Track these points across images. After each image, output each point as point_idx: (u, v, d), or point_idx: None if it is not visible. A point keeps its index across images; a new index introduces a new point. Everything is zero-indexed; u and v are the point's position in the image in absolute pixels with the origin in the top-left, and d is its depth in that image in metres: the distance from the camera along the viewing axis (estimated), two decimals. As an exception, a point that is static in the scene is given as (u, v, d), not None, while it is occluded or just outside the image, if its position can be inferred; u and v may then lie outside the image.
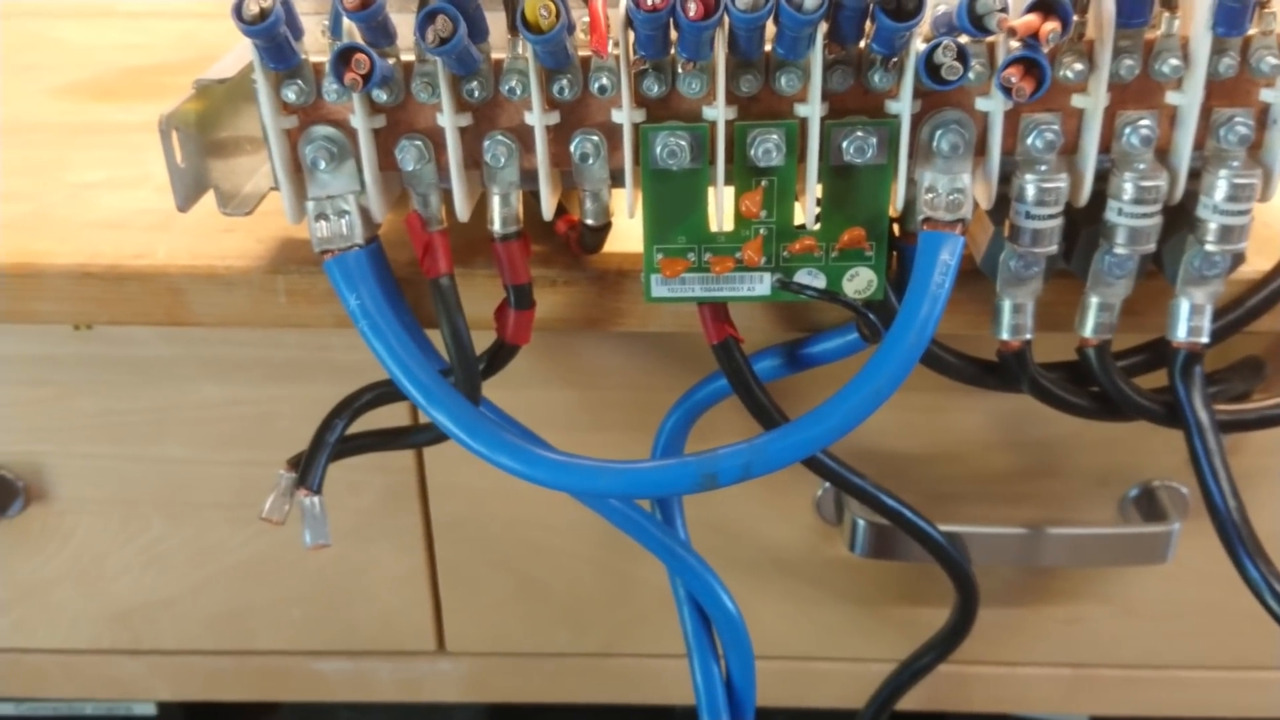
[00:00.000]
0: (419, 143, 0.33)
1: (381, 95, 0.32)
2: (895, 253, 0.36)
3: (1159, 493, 0.45)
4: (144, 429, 0.46)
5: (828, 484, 0.47)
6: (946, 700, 0.53)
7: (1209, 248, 0.33)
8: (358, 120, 0.32)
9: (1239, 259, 0.34)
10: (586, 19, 0.31)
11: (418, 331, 0.38)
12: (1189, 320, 0.35)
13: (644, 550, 0.41)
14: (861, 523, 0.44)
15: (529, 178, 0.34)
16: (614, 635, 0.51)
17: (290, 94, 0.32)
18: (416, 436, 0.39)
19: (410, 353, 0.34)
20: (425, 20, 0.29)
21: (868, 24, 0.31)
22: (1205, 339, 0.35)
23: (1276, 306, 0.36)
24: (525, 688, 0.53)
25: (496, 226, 0.34)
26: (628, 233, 0.37)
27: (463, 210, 0.34)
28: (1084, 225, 0.34)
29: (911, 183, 0.33)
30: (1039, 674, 0.52)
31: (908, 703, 0.50)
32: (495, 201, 0.34)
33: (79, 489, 0.47)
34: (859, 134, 0.32)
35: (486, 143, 0.33)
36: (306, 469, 0.36)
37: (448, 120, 0.32)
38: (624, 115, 0.32)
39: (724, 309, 0.37)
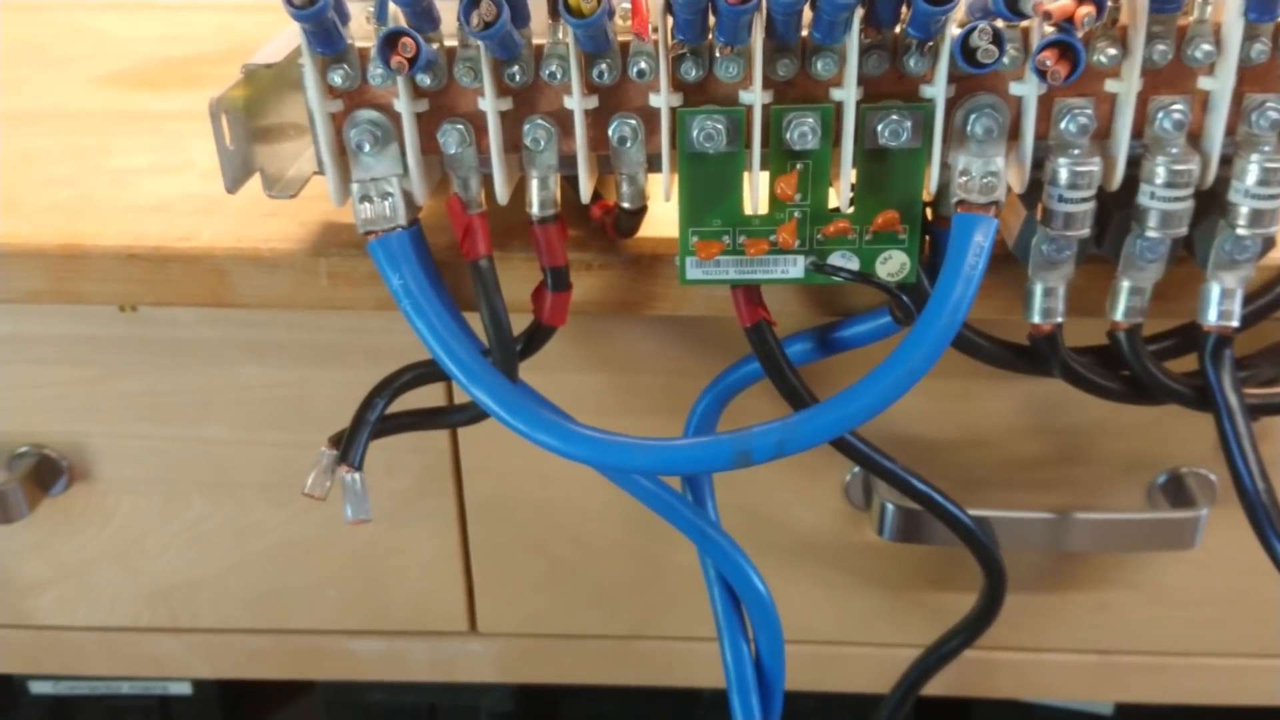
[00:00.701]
0: (461, 126, 0.34)
1: (425, 79, 0.33)
2: (928, 237, 0.36)
3: (1187, 479, 0.45)
4: (187, 410, 0.47)
5: (856, 469, 0.47)
6: (972, 686, 0.53)
7: (1240, 231, 0.33)
8: (402, 104, 0.33)
9: (1270, 243, 0.34)
10: (626, 4, 0.31)
11: (457, 314, 0.38)
12: (1219, 304, 0.35)
13: (675, 534, 0.42)
14: (890, 507, 0.45)
15: (567, 162, 0.35)
16: (644, 618, 0.52)
17: (336, 78, 0.33)
18: (455, 416, 0.39)
19: (451, 331, 0.35)
20: (470, 5, 0.30)
21: (903, 9, 0.31)
22: (1235, 323, 0.35)
23: (1307, 292, 0.36)
24: (555, 669, 0.54)
25: (535, 209, 0.35)
26: (662, 218, 0.38)
27: (502, 193, 0.35)
28: (1116, 209, 0.35)
29: (945, 167, 0.34)
30: (1065, 660, 0.52)
31: (934, 688, 0.51)
32: (534, 185, 0.35)
33: (122, 469, 0.48)
34: (894, 118, 0.33)
35: (526, 126, 0.34)
36: (348, 446, 0.37)
37: (489, 104, 0.33)
38: (662, 99, 0.33)
39: (757, 292, 0.37)
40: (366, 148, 0.34)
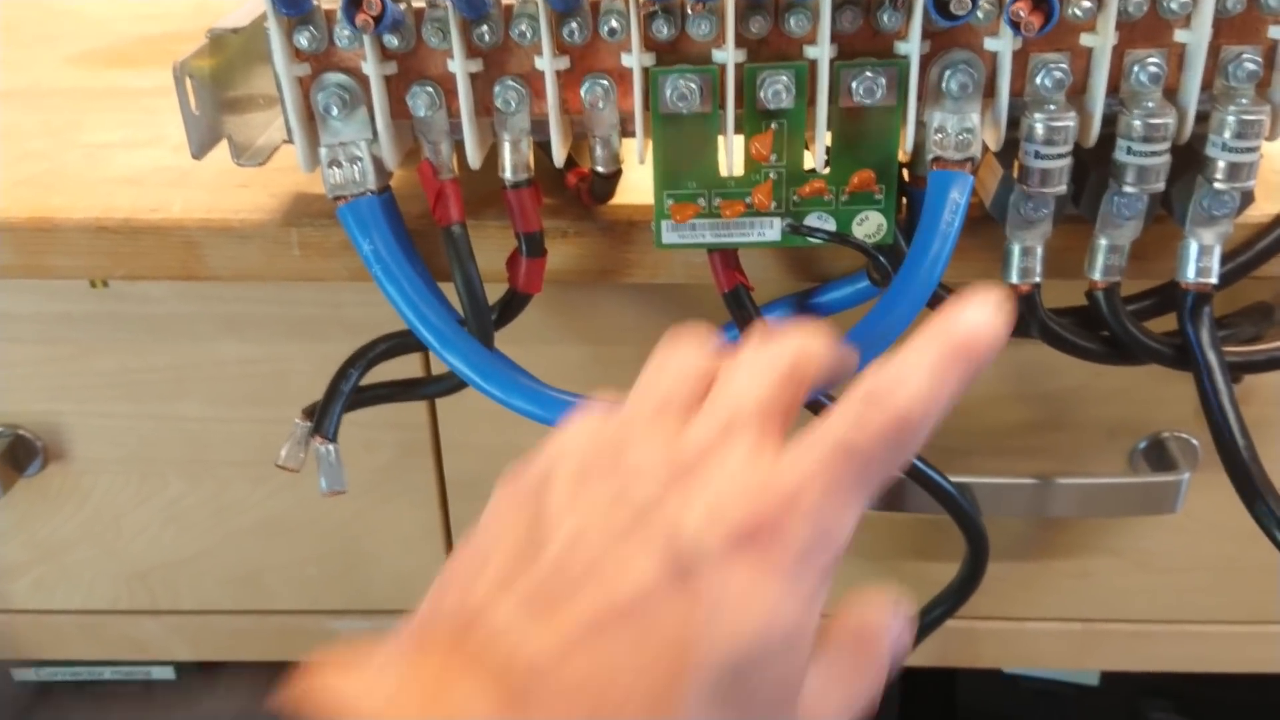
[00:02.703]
0: (430, 89, 0.33)
1: (393, 41, 0.33)
2: (905, 198, 0.36)
3: (1168, 443, 0.45)
4: (162, 387, 0.46)
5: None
6: (956, 656, 0.53)
7: (1218, 186, 0.33)
8: (369, 66, 0.33)
9: (1248, 198, 0.34)
10: (596, -40, 0.31)
11: (431, 282, 0.38)
12: (1198, 261, 0.35)
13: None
14: (872, 475, 0.45)
15: (539, 127, 0.34)
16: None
17: (303, 40, 0.32)
18: (432, 387, 0.39)
19: (424, 297, 0.34)
20: (436, -39, 0.29)
21: (876, -37, 0.31)
22: (1214, 279, 0.35)
23: (1285, 249, 0.36)
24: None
25: (508, 174, 0.35)
26: (637, 185, 0.37)
27: (474, 157, 0.34)
28: (1093, 167, 0.34)
29: (921, 125, 0.33)
30: (1049, 629, 0.52)
31: (917, 658, 0.51)
32: (506, 148, 0.34)
33: (97, 448, 0.48)
34: (868, 75, 0.32)
35: (497, 89, 0.33)
36: (322, 417, 0.36)
37: (459, 66, 0.33)
38: (634, 59, 0.32)
39: (735, 256, 0.37)
40: (334, 111, 0.33)
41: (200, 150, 0.34)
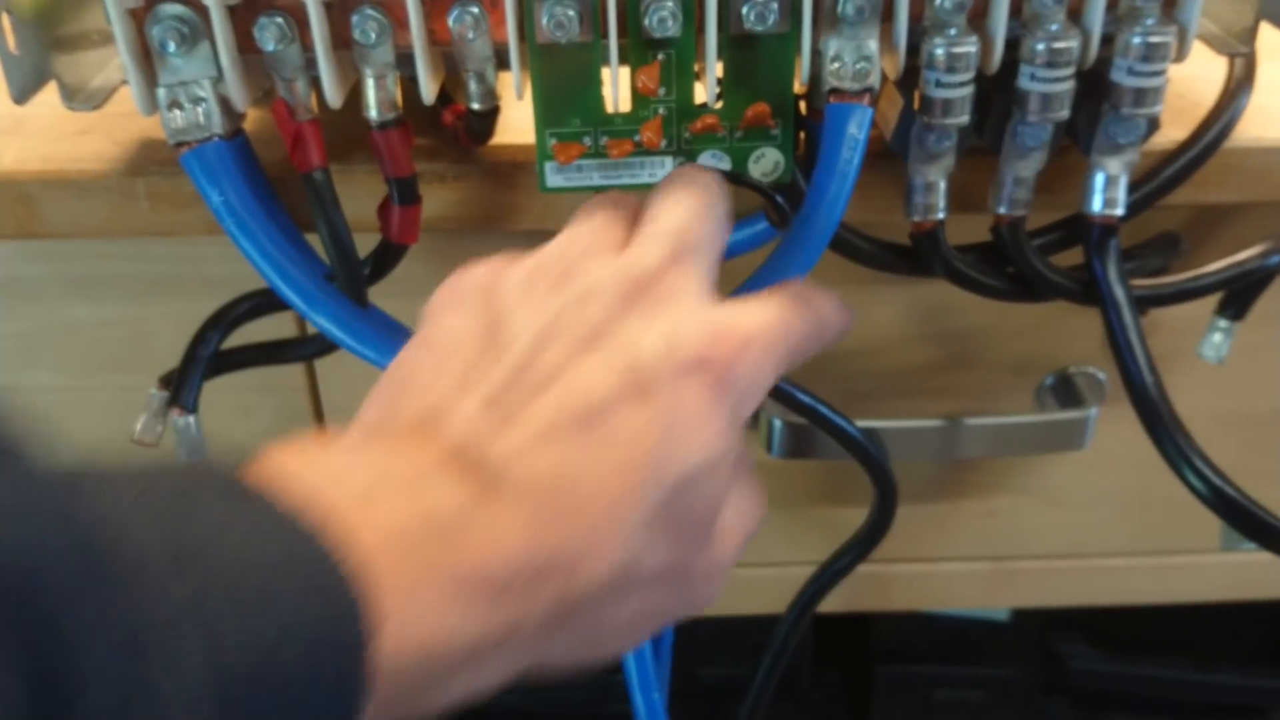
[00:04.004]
0: (280, 20, 0.30)
1: (235, -34, 0.29)
2: (803, 133, 0.34)
3: (1076, 379, 0.44)
4: (10, 355, 0.42)
5: (743, 386, 0.45)
6: (869, 600, 0.52)
7: (1124, 111, 0.32)
8: (209, -5, 0.29)
9: (1154, 124, 0.33)
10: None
11: (297, 237, 0.35)
12: (1104, 192, 0.33)
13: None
14: (778, 423, 0.43)
15: (406, 60, 0.31)
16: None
17: (132, -33, 0.29)
18: (303, 348, 0.36)
19: (285, 252, 0.31)
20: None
21: (763, -126, 0.28)
22: (1120, 210, 0.34)
23: (1192, 178, 0.35)
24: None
25: (373, 113, 0.32)
26: (521, 123, 0.35)
27: (333, 95, 0.31)
28: (996, 96, 0.33)
29: (816, 54, 0.31)
30: (960, 569, 0.51)
31: (830, 604, 0.50)
32: (370, 85, 0.31)
33: (-57, 424, 0.44)
34: (759, -1, 0.30)
35: (355, 18, 0.30)
36: (179, 387, 0.33)
37: (310, -7, 0.29)
38: (505, -17, 0.30)
39: (626, 199, 0.34)
40: (172, 47, 0.30)
41: (22, 95, 0.31)
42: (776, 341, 0.26)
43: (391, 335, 0.32)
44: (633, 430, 0.24)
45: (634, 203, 0.29)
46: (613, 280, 0.26)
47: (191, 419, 0.33)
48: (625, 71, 0.31)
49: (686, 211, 0.28)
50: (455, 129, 0.35)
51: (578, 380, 0.24)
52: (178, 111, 0.30)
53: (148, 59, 0.31)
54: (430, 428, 0.24)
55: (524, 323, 0.25)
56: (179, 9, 0.30)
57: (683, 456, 0.24)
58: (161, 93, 0.30)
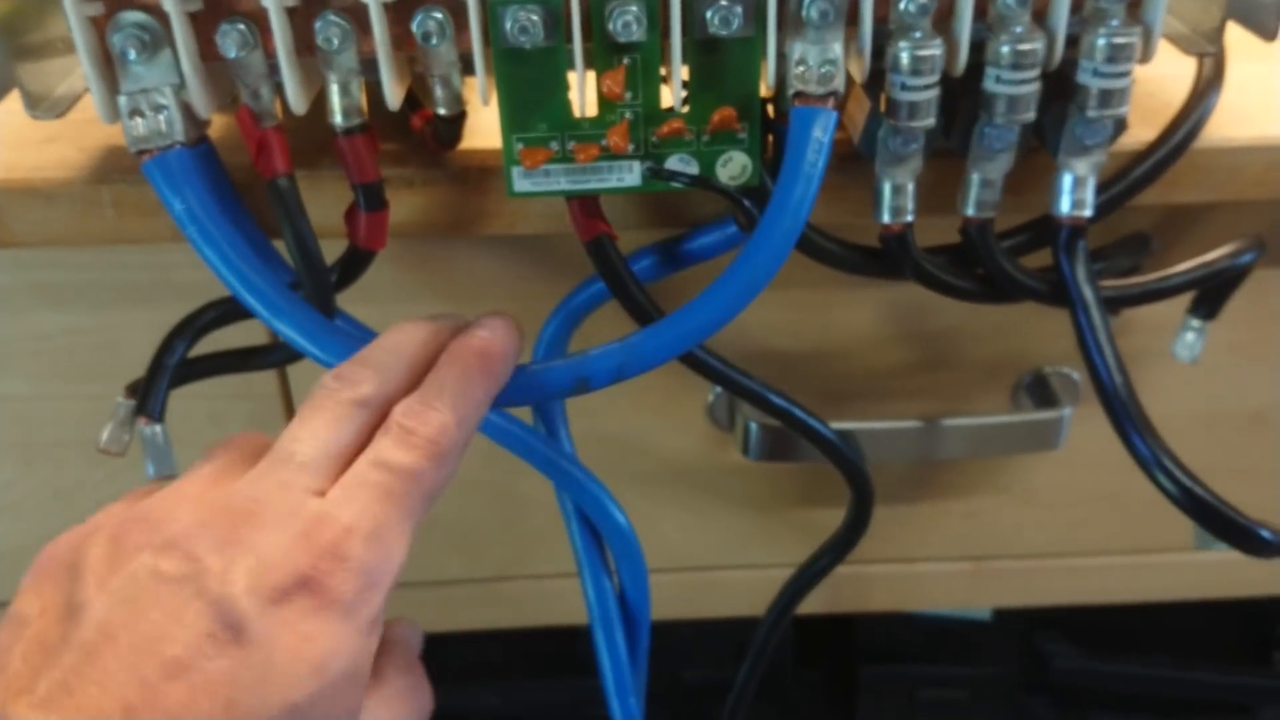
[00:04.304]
0: (241, 26, 0.30)
1: (195, -27, 0.29)
2: (770, 136, 0.34)
3: (1050, 379, 0.44)
4: (-22, 364, 0.42)
5: (719, 389, 0.45)
6: (848, 601, 0.52)
7: (1090, 114, 0.31)
8: (169, 3, 0.29)
9: (1121, 125, 0.33)
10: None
11: (264, 244, 0.35)
12: (1072, 193, 0.33)
13: (534, 469, 0.40)
14: (754, 426, 0.43)
15: (371, 66, 0.31)
16: (508, 559, 0.50)
17: (91, -25, 0.29)
18: (269, 356, 0.36)
19: (249, 261, 0.31)
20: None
21: (724, -122, 0.28)
22: (1089, 212, 0.33)
23: (1161, 178, 0.35)
24: (418, 619, 0.51)
25: (338, 119, 0.32)
26: (490, 127, 0.35)
27: (296, 102, 0.31)
28: (963, 99, 0.33)
29: (782, 58, 0.31)
30: (939, 569, 0.51)
31: (810, 606, 0.50)
32: (334, 91, 0.31)
33: (-87, 434, 0.44)
34: (724, 3, 0.30)
35: (318, 24, 0.30)
36: (145, 396, 0.33)
37: None
38: (467, -12, 0.29)
39: (595, 204, 0.34)
40: (132, 55, 0.30)
41: (-19, 102, 0.31)
42: (382, 514, 0.25)
43: (357, 346, 0.32)
44: (225, 672, 0.23)
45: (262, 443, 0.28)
46: (197, 515, 0.25)
47: (158, 428, 0.33)
48: (590, 74, 0.31)
49: (314, 426, 0.27)
50: (424, 134, 0.35)
51: (161, 637, 0.23)
52: (139, 119, 0.30)
53: (109, 66, 0.30)
54: None
55: (100, 595, 0.24)
56: (140, 16, 0.30)
57: (286, 684, 0.23)
58: (123, 100, 0.30)
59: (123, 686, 0.22)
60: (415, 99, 0.35)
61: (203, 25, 0.30)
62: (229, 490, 0.26)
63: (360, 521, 0.25)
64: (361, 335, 0.34)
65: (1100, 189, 0.34)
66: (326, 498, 0.25)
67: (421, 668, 0.30)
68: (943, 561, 0.51)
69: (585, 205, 0.34)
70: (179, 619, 0.23)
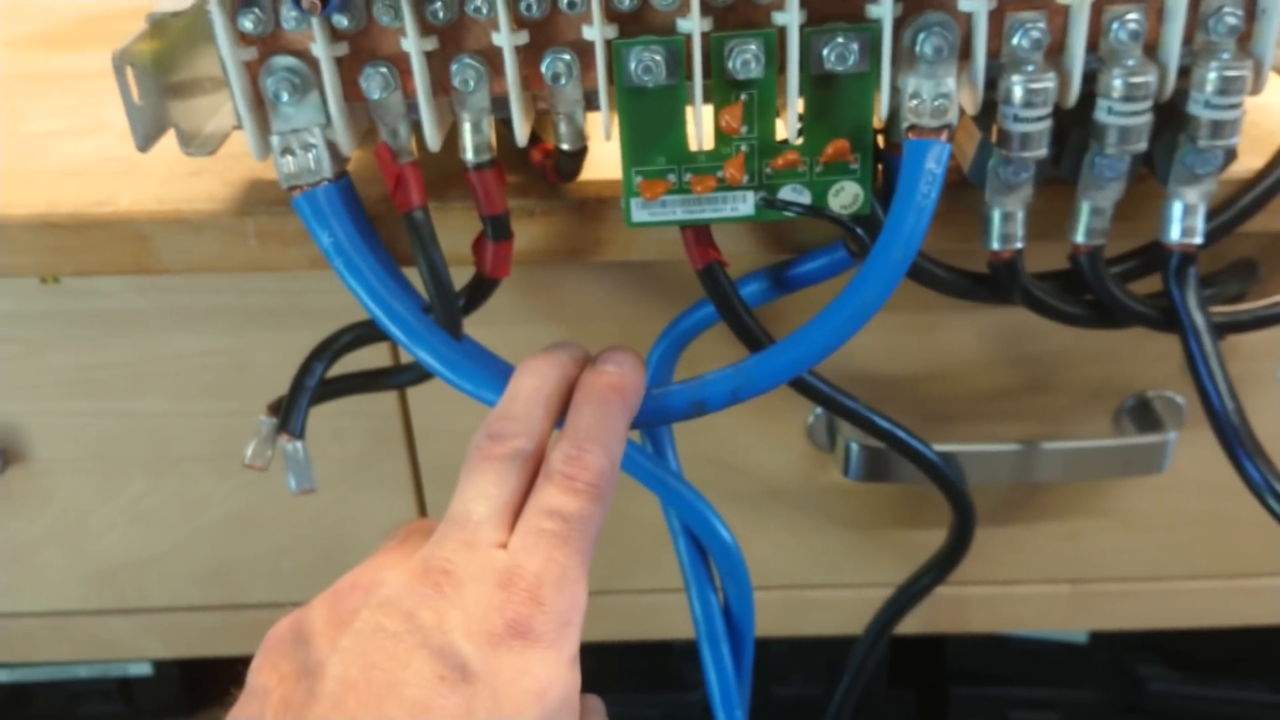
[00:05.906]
0: (384, 70, 0.32)
1: (342, 21, 0.31)
2: (881, 166, 0.35)
3: (1154, 403, 0.44)
4: (120, 383, 0.45)
5: (820, 410, 0.46)
6: (945, 622, 0.53)
7: (1201, 144, 0.32)
8: (319, 48, 0.31)
9: (1231, 155, 0.33)
10: (552, -71, 0.29)
11: (394, 270, 0.37)
12: (1182, 221, 0.34)
13: (638, 486, 0.41)
14: (855, 446, 0.44)
15: (500, 104, 0.33)
16: (610, 572, 0.51)
17: (247, 23, 0.31)
18: (399, 377, 0.38)
19: (389, 289, 0.33)
20: (383, -65, 0.28)
21: (845, -77, 0.29)
22: (1199, 239, 0.34)
23: (1269, 205, 0.35)
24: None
25: (469, 155, 0.33)
26: (605, 159, 0.36)
27: (433, 139, 0.33)
28: (1073, 128, 0.33)
29: (895, 91, 0.32)
30: (1037, 591, 0.51)
31: (907, 626, 0.50)
32: (466, 129, 0.33)
33: (56, 447, 0.46)
34: (840, 40, 0.31)
35: (454, 67, 0.32)
36: (287, 414, 0.35)
37: (412, 44, 0.31)
38: (595, 31, 0.31)
39: (708, 232, 0.36)
40: (285, 97, 0.32)
41: (145, 142, 0.33)
42: (562, 559, 0.27)
43: (486, 370, 0.34)
44: (459, 708, 0.25)
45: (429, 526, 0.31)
46: (402, 578, 0.27)
47: (299, 444, 0.35)
48: (708, 110, 0.33)
49: (470, 485, 0.29)
50: (544, 167, 0.36)
51: (396, 683, 0.25)
52: (290, 158, 0.32)
53: (261, 107, 0.32)
54: None
55: (331, 654, 0.26)
56: (290, 60, 0.32)
57: (517, 712, 0.26)
58: (275, 140, 0.32)
59: None
60: (534, 133, 0.36)
61: (347, 68, 0.32)
62: (421, 556, 0.28)
63: (547, 569, 0.27)
64: (488, 361, 0.36)
65: (1210, 216, 0.34)
66: (509, 549, 0.28)
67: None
68: (1040, 584, 0.51)
69: (698, 234, 0.36)
70: (409, 666, 0.26)
